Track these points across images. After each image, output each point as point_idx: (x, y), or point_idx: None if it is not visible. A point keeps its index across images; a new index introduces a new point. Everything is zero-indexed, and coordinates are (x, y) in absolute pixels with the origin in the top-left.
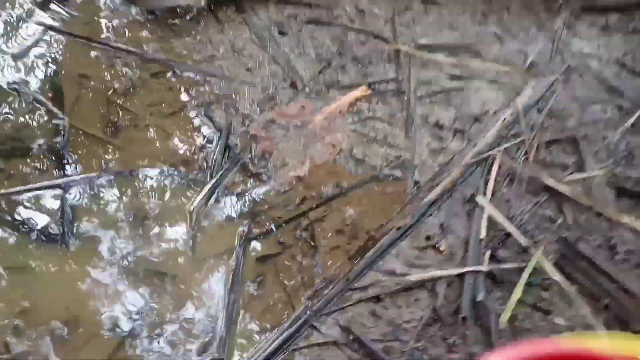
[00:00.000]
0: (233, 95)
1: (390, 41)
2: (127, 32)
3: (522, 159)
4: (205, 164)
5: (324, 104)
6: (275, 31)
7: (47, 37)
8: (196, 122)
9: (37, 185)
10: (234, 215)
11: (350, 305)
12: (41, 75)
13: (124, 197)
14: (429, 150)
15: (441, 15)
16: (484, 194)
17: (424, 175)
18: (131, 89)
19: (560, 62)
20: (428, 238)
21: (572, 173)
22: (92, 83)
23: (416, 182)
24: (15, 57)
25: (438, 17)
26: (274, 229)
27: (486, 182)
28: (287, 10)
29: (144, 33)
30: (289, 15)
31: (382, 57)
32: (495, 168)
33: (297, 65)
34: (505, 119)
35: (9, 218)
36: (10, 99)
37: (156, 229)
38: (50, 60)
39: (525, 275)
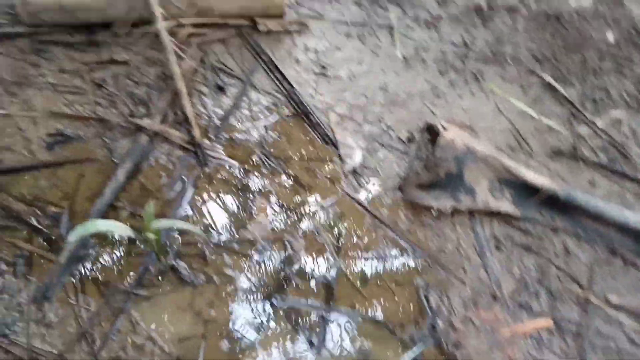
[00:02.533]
0: (447, 284)
1: (584, 288)
2: (386, 210)
3: None
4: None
5: (513, 321)
6: (491, 244)
7: None
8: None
9: None
10: None
11: None
12: None
13: None
14: None
15: (638, 279)
16: None
17: None
18: None
19: None
20: None
21: None
22: None
23: None
24: None
25: (635, 280)
26: None
27: None
28: (506, 230)
29: (401, 214)
30: (506, 235)
31: (572, 298)
32: None
33: (502, 279)
34: None
35: None
36: None
37: None
38: None
39: None
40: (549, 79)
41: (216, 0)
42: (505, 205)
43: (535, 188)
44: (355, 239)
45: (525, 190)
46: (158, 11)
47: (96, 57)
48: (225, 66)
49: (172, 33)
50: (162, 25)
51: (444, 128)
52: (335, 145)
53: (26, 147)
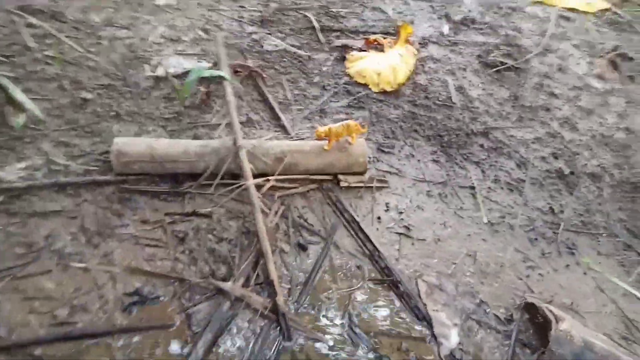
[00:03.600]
0: None
1: None
2: None
3: None
4: None
5: None
6: None
7: None
8: None
9: None
10: None
11: None
12: None
13: None
14: None
15: None
16: None
17: None
18: None
19: None
20: None
21: None
22: None
23: None
24: None
25: None
26: None
27: None
28: None
29: None
30: None
31: None
32: None
33: None
34: None
35: None
36: None
37: None
38: None
39: None
40: None
41: (303, 157)
42: None
43: None
44: None
45: None
46: (248, 168)
47: (179, 208)
48: (307, 222)
49: (256, 186)
50: (251, 182)
51: (556, 317)
52: (428, 321)
53: (102, 308)
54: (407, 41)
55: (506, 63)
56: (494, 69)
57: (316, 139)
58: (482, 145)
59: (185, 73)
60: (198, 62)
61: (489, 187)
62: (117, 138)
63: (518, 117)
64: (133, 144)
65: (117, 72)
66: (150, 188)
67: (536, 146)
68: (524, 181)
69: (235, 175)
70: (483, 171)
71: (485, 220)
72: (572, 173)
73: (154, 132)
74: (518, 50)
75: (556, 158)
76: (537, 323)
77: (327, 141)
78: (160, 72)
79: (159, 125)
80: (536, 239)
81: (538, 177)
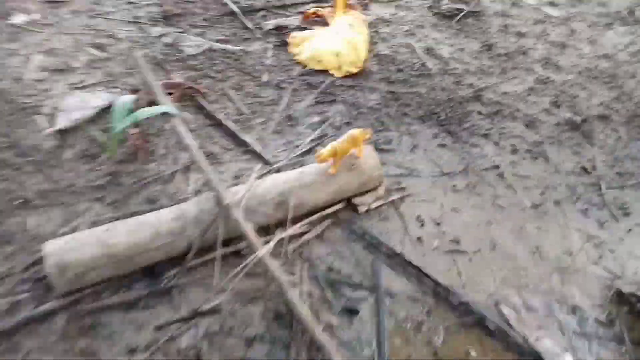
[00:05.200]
0: None
1: None
2: None
3: None
4: None
5: None
6: None
7: None
8: None
9: None
10: None
11: None
12: None
13: None
14: None
15: None
16: None
17: None
18: None
19: None
20: None
21: None
22: None
23: None
24: None
25: None
26: None
27: None
28: None
29: None
30: None
31: None
32: None
33: None
34: None
35: None
36: None
37: None
38: None
39: None
40: None
41: (308, 192)
42: None
43: None
44: None
45: None
46: (253, 234)
47: (171, 312)
48: (341, 274)
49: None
50: (265, 251)
51: None
52: (536, 356)
53: None
54: (347, 6)
55: (462, 9)
56: (453, 20)
57: (320, 163)
58: (480, 113)
59: (100, 113)
60: (109, 92)
61: (512, 162)
62: (47, 244)
63: (501, 69)
64: (76, 248)
65: (1, 138)
66: (120, 298)
67: (533, 98)
68: (542, 143)
69: (227, 240)
70: (496, 143)
71: (529, 204)
72: (584, 121)
73: (89, 212)
74: None
75: (558, 107)
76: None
77: (332, 164)
78: (62, 122)
79: (91, 199)
80: (586, 209)
81: (553, 135)
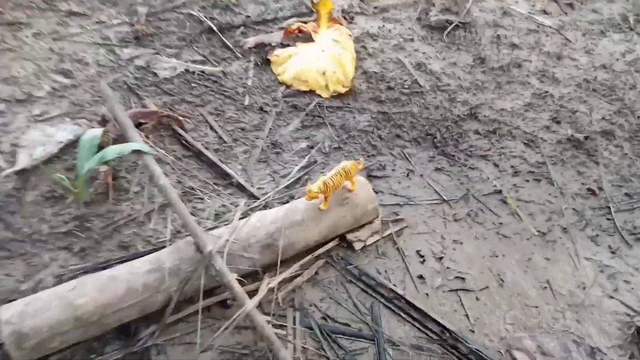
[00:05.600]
0: None
1: None
2: None
3: None
4: None
5: None
6: None
7: None
8: None
9: None
10: None
11: None
12: None
13: None
14: None
15: None
16: None
17: None
18: None
19: None
20: None
21: None
22: None
23: None
24: None
25: None
26: None
27: None
28: None
29: None
30: None
31: None
32: None
33: None
34: None
35: None
36: None
37: None
38: None
39: None
40: None
41: (298, 231)
42: None
43: None
44: None
45: None
46: (237, 286)
47: None
48: (338, 322)
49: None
50: (252, 305)
51: None
52: None
53: None
54: (332, 20)
55: (451, 21)
56: (443, 32)
57: (310, 200)
58: (477, 132)
59: (65, 149)
60: (75, 124)
61: (514, 185)
62: (2, 309)
63: (496, 84)
64: (37, 312)
65: None
66: None
67: (531, 114)
68: (544, 163)
69: (211, 289)
70: (496, 164)
71: (535, 232)
72: (586, 138)
73: (54, 263)
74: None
75: (558, 123)
76: None
77: (323, 199)
78: (22, 161)
79: (56, 248)
80: (596, 235)
81: (555, 154)
